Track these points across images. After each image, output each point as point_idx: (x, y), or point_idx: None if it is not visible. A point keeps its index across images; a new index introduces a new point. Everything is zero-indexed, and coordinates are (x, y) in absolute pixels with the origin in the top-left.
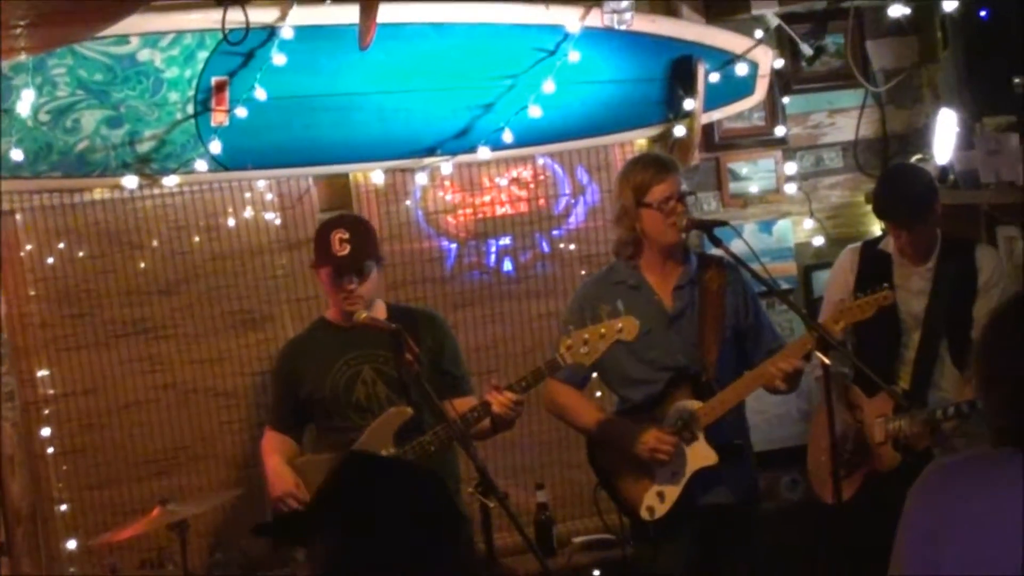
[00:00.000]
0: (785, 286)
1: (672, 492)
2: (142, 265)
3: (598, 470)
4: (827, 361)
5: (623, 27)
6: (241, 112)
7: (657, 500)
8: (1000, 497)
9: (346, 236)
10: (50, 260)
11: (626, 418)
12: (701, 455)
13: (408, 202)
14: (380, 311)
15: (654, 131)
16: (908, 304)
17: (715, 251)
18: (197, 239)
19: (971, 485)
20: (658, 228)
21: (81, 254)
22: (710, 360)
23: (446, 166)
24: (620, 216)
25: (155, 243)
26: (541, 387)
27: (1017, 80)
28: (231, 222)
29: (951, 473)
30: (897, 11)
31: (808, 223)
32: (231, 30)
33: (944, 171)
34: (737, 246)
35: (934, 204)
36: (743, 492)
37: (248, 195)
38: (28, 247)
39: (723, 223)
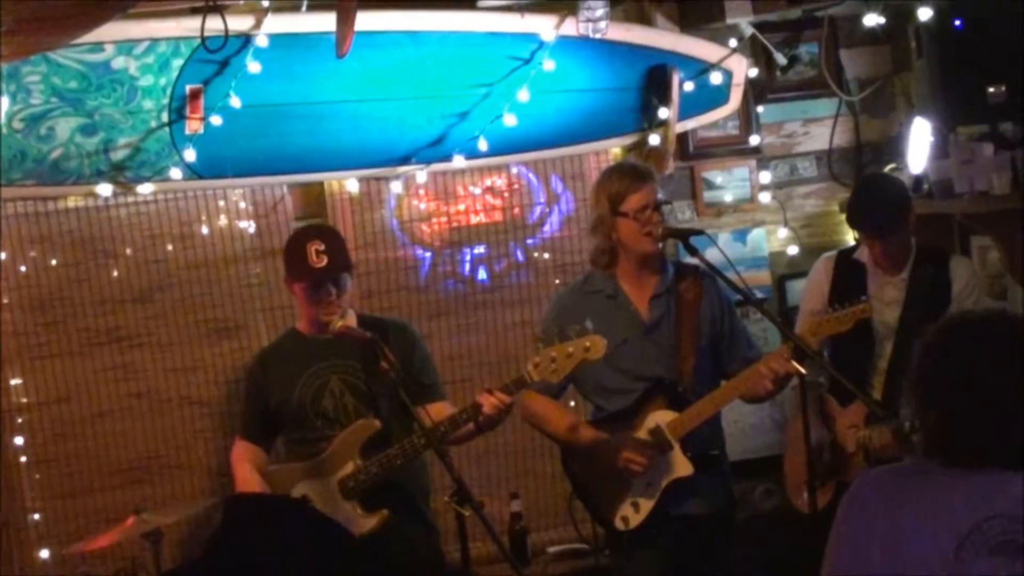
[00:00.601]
0: (759, 295)
1: (647, 503)
2: (115, 273)
3: (573, 479)
4: (803, 371)
5: (598, 36)
6: (216, 120)
7: (632, 510)
8: (928, 508)
9: (322, 248)
10: (22, 268)
11: (601, 428)
12: (676, 465)
13: (383, 211)
14: (352, 321)
15: (629, 140)
16: (882, 314)
17: (691, 260)
18: (171, 247)
19: (900, 496)
20: (634, 237)
21: (54, 262)
22: (686, 369)
23: (421, 175)
24: (596, 225)
25: (129, 251)
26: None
27: (991, 90)
28: (205, 230)
29: (881, 485)
30: (871, 20)
31: (783, 232)
32: (208, 37)
33: (918, 180)
34: (712, 255)
35: (907, 214)
36: (718, 502)
37: (222, 203)
38: (1, 255)
39: (699, 232)
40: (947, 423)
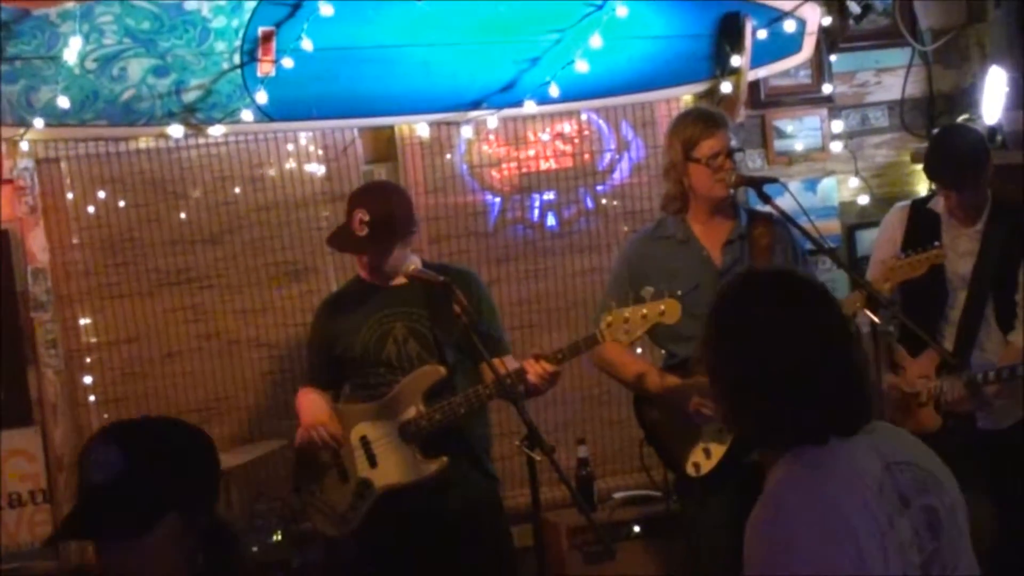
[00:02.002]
0: (829, 245)
1: (718, 449)
2: (184, 215)
3: (645, 425)
4: (876, 319)
5: None
6: (287, 63)
7: (703, 456)
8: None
9: (367, 218)
10: (91, 209)
11: (674, 373)
12: None
13: (453, 155)
14: (418, 265)
15: (700, 87)
16: (955, 265)
17: (763, 207)
18: (239, 190)
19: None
20: (706, 183)
21: (123, 203)
22: None
23: (491, 120)
24: (668, 170)
25: (199, 193)
26: None
27: None
28: (275, 173)
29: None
30: None
31: (853, 182)
32: None
33: (992, 131)
34: (785, 203)
35: (986, 166)
36: None
37: (291, 147)
38: (69, 196)
39: (772, 180)
40: (800, 405)
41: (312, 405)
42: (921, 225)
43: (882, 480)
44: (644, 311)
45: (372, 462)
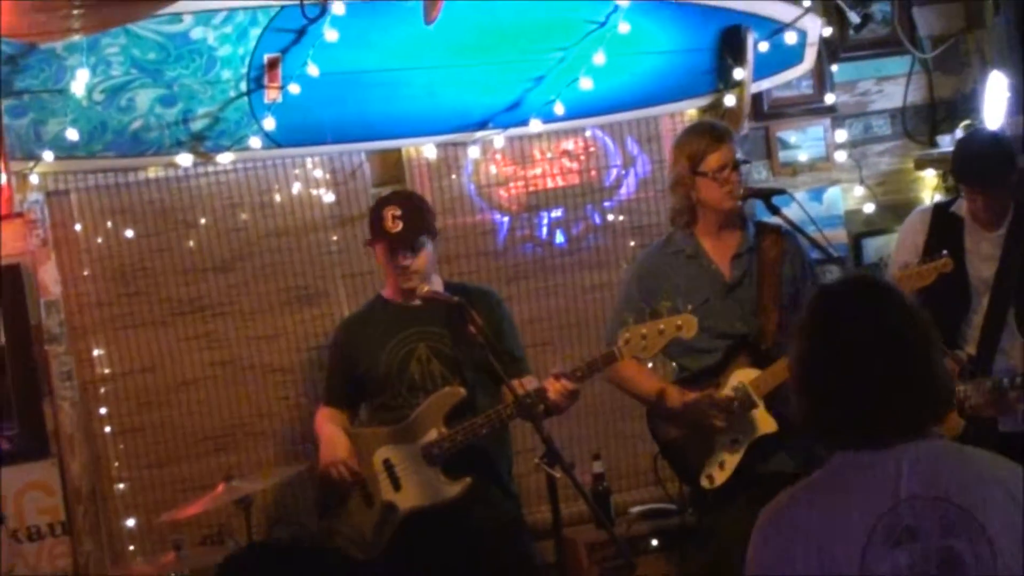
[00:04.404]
0: (837, 254)
1: (732, 460)
2: (192, 243)
3: (659, 439)
4: None
5: None
6: (294, 89)
7: (717, 468)
8: (829, 518)
9: (399, 212)
10: (100, 240)
11: (686, 387)
12: (761, 423)
13: (460, 176)
14: (438, 286)
15: (704, 101)
16: (978, 269)
17: (771, 219)
18: (245, 216)
19: (806, 515)
20: (714, 196)
21: (132, 233)
22: (769, 328)
23: (498, 139)
24: (675, 184)
25: (208, 221)
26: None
27: None
28: (284, 199)
29: (787, 509)
30: None
31: (858, 190)
32: (289, 5)
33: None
34: (791, 213)
35: (1013, 168)
36: (803, 459)
37: (300, 172)
38: (78, 227)
39: (781, 191)
40: (823, 406)
41: (330, 441)
42: (943, 229)
43: (883, 515)
44: (661, 326)
45: (396, 485)
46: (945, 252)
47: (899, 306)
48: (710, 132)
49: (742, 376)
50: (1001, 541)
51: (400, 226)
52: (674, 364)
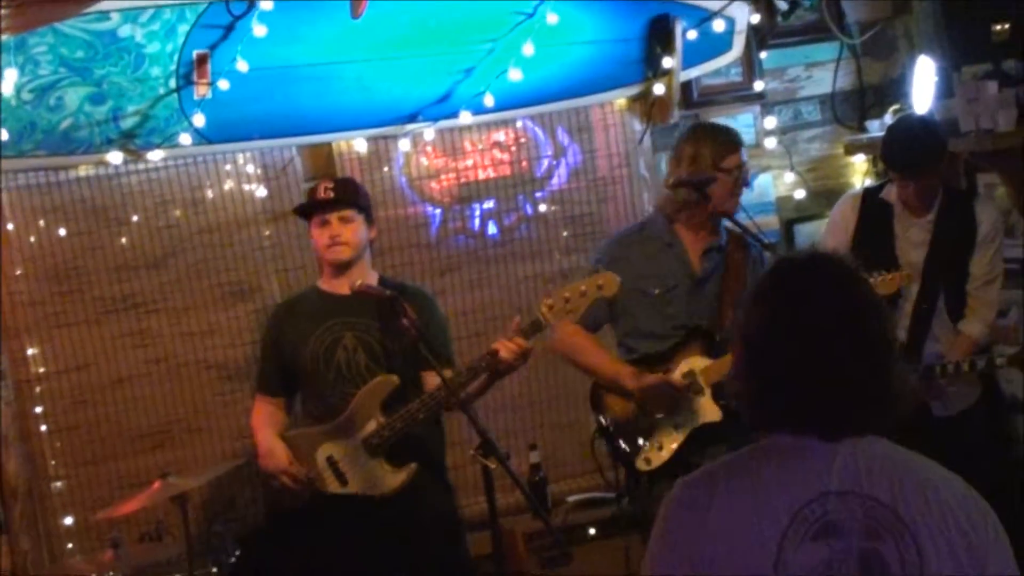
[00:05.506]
0: (769, 240)
1: (671, 444)
2: (126, 240)
3: (600, 416)
4: None
5: None
6: (223, 85)
7: (655, 450)
8: (746, 502)
9: (331, 185)
10: (32, 239)
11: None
12: (705, 411)
13: (392, 169)
14: (373, 282)
15: (634, 90)
16: (908, 255)
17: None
18: (177, 213)
19: (720, 495)
20: (722, 194)
21: (65, 232)
22: (725, 322)
23: (428, 132)
24: (687, 180)
25: (140, 218)
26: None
27: (995, 27)
28: (216, 195)
29: (701, 485)
30: None
31: (789, 177)
32: (216, 1)
33: None
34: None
35: (943, 155)
36: None
37: (231, 168)
38: (10, 226)
39: (712, 179)
40: (773, 391)
41: (270, 452)
42: (873, 214)
43: (807, 503)
44: (583, 288)
45: (342, 480)
46: (906, 271)
47: (868, 295)
48: (727, 134)
49: (693, 363)
50: (929, 549)
51: (332, 195)
52: (619, 346)
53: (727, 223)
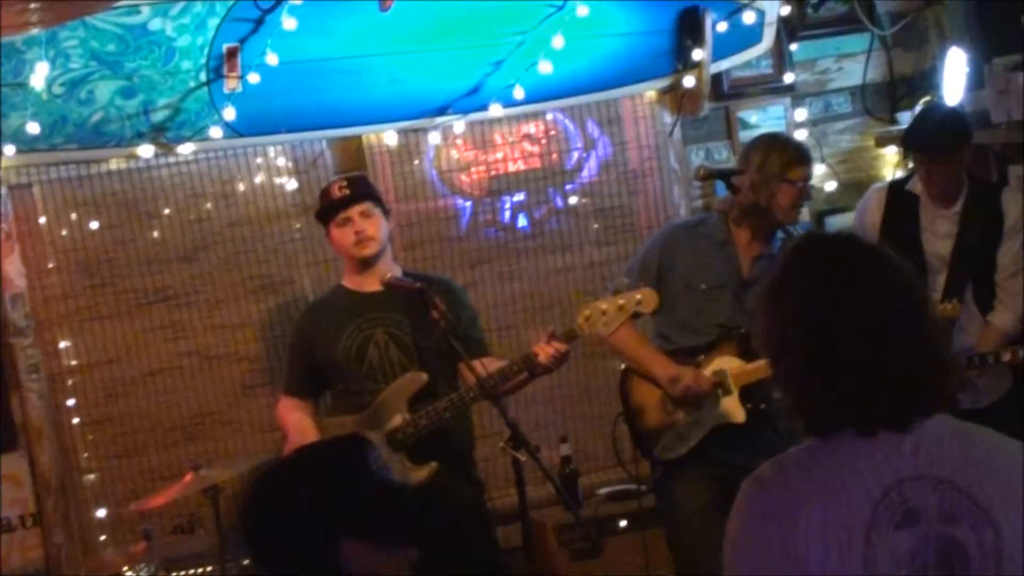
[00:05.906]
0: (799, 231)
1: (693, 437)
2: (158, 234)
3: (626, 403)
4: None
5: None
6: (253, 78)
7: (676, 440)
8: (825, 499)
9: (344, 184)
10: (64, 232)
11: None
12: (730, 410)
13: (422, 162)
14: (398, 274)
15: (663, 83)
16: (934, 246)
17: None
18: (208, 206)
19: (795, 495)
20: (785, 203)
21: (96, 225)
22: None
23: (458, 125)
24: (758, 184)
25: (172, 211)
26: None
27: None
28: (246, 188)
29: (772, 486)
30: None
31: (819, 169)
32: None
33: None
34: None
35: (965, 140)
36: (765, 458)
37: (262, 161)
38: (42, 220)
39: (740, 171)
40: (809, 383)
41: (299, 430)
42: (899, 206)
43: (886, 491)
44: (621, 301)
45: None
46: (956, 300)
47: (911, 279)
48: (798, 148)
49: (725, 363)
50: (1005, 528)
51: (347, 192)
52: (657, 336)
53: (781, 235)
